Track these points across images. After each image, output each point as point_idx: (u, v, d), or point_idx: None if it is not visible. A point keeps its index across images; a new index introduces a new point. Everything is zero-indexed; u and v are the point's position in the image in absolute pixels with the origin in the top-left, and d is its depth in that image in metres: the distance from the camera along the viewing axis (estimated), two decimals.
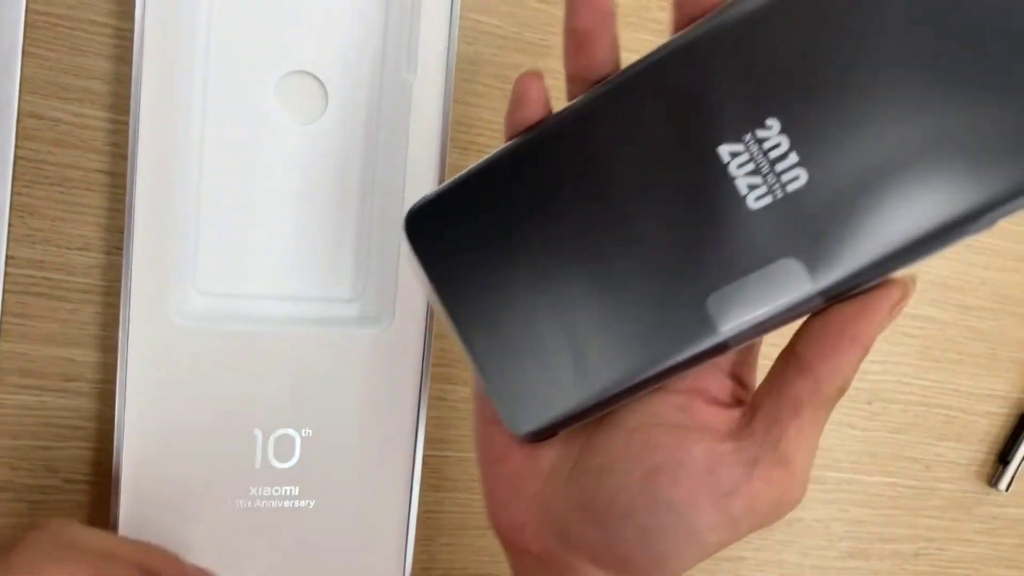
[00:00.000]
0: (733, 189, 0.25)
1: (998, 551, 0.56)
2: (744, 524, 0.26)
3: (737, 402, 0.28)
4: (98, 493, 0.40)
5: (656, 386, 0.27)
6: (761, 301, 0.25)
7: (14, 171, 0.37)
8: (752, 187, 0.25)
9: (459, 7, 0.39)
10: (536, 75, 0.28)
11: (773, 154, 0.24)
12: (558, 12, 0.44)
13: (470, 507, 0.45)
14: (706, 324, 0.25)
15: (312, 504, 0.38)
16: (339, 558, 0.39)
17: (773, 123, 0.24)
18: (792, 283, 0.25)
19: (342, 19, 0.38)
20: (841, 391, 0.26)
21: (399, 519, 0.40)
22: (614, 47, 0.27)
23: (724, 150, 0.25)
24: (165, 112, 0.36)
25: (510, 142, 0.28)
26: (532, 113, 0.28)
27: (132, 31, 0.37)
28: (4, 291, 0.38)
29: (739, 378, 0.28)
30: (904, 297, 0.25)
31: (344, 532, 0.39)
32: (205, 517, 0.37)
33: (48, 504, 0.39)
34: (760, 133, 0.24)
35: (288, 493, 0.38)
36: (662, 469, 0.26)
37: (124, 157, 0.39)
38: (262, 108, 0.38)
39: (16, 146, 0.37)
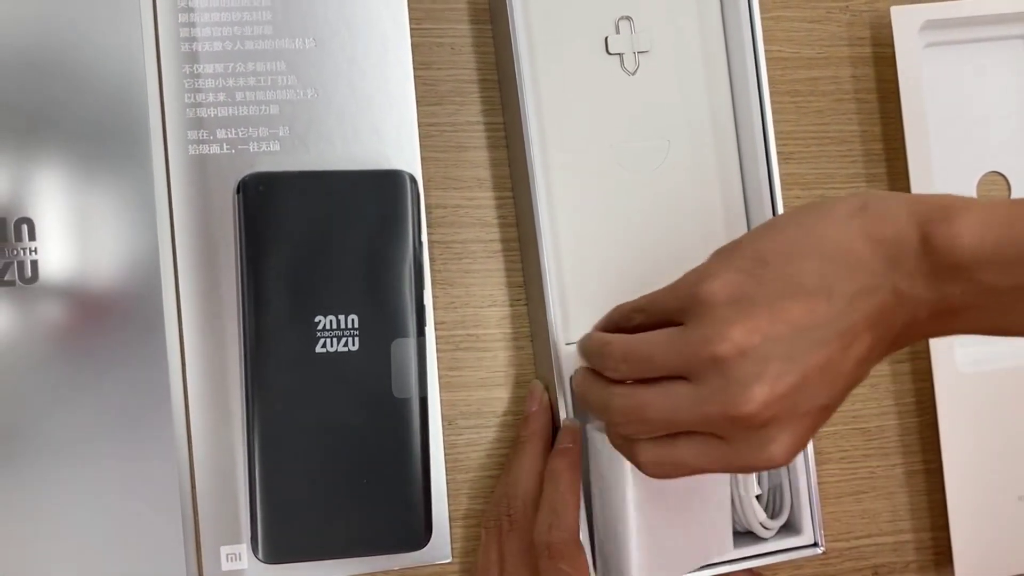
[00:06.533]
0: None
1: None
2: None
3: None
4: None
5: None
6: None
7: (431, 253, 0.46)
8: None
9: None
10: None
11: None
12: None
13: None
14: None
15: None
16: None
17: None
18: None
19: None
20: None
21: None
22: None
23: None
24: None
25: None
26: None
27: (502, 124, 0.46)
28: (438, 351, 0.46)
29: None
30: None
31: None
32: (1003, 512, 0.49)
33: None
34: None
35: None
36: None
37: (510, 226, 0.47)
38: None
39: (429, 233, 0.46)
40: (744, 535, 0.46)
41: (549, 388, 0.45)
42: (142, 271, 0.41)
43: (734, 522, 0.46)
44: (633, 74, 0.47)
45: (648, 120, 0.47)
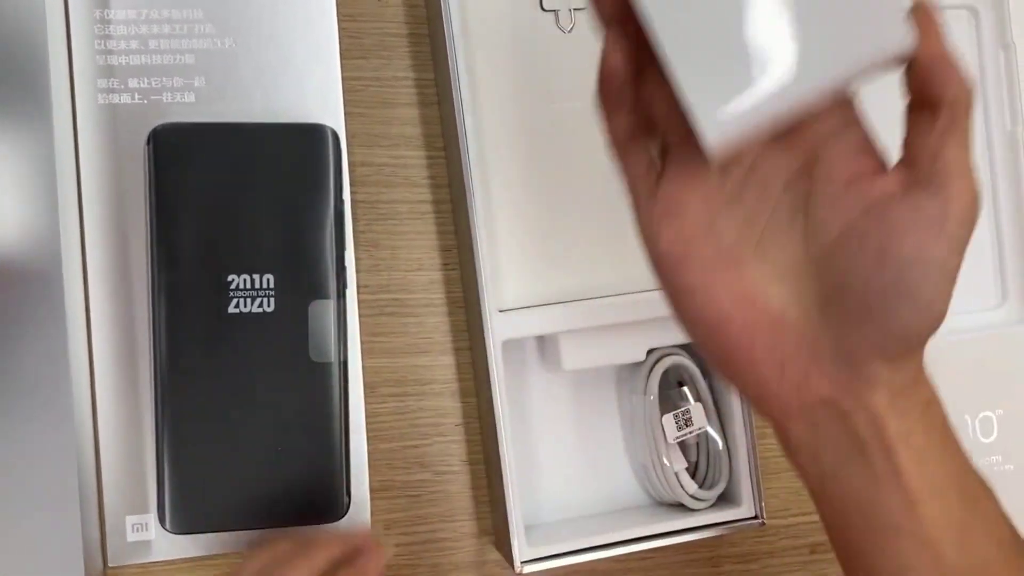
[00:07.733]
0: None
1: None
2: (963, 236, 0.29)
3: (883, 167, 0.31)
4: (469, 480, 0.45)
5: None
6: None
7: (354, 213, 0.44)
8: None
9: None
10: None
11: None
12: None
13: None
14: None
15: (1012, 467, 0.50)
16: None
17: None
18: None
19: None
20: (967, 101, 0.29)
21: None
22: None
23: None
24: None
25: None
26: None
27: (433, 80, 0.44)
28: (360, 315, 0.44)
29: (872, 152, 0.31)
30: None
31: None
32: None
33: (425, 496, 0.45)
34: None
35: (995, 461, 0.50)
36: (884, 244, 0.29)
37: (442, 187, 0.45)
38: None
39: (353, 192, 0.44)
40: (675, 507, 0.45)
41: (482, 354, 0.43)
42: (40, 226, 0.39)
43: (660, 495, 0.45)
44: (569, 32, 0.45)
45: (585, 80, 0.45)
